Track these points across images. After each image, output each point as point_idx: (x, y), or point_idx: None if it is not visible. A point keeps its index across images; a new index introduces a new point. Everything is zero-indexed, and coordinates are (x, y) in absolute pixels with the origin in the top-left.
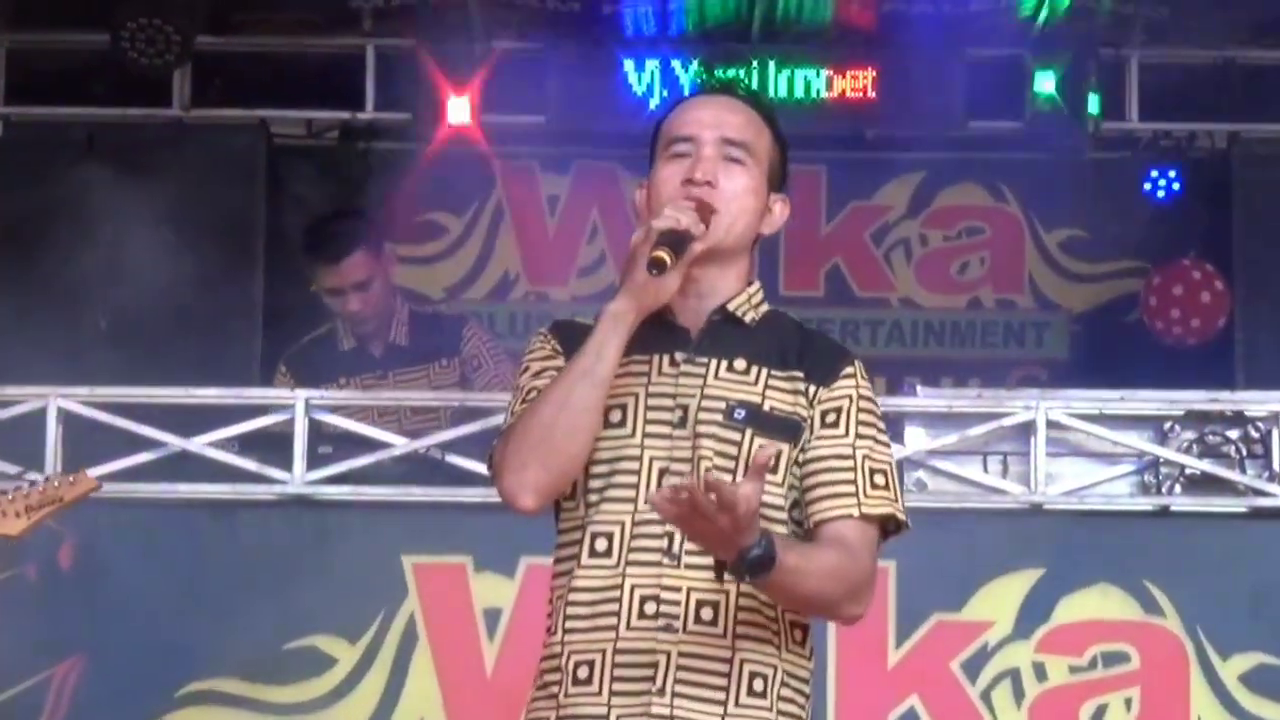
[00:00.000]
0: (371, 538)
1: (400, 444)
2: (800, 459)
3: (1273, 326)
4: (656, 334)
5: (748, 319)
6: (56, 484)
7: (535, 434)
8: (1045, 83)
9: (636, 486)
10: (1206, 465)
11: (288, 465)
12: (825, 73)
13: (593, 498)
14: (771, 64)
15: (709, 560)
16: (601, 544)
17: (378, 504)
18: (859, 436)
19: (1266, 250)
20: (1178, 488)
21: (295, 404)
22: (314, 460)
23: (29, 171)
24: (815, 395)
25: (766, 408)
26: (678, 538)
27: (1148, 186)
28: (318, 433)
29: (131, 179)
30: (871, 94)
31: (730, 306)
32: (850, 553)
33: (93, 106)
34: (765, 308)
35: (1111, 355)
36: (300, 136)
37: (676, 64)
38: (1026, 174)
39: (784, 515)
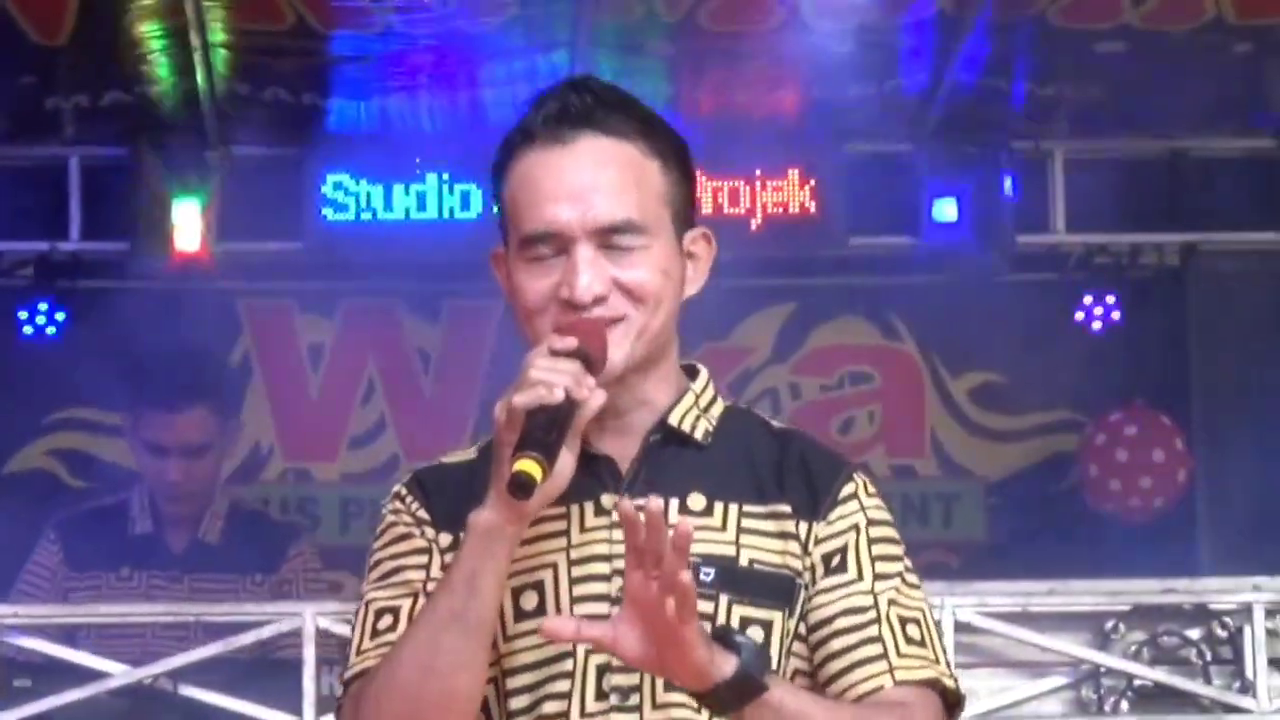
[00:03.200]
0: None
1: (119, 672)
2: (802, 629)
3: (1244, 493)
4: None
5: (699, 433)
6: None
7: (395, 706)
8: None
9: (569, 695)
10: (1161, 674)
11: None
12: None
13: None
14: None
15: None
16: None
17: None
18: (878, 577)
19: (1234, 394)
20: (1124, 704)
21: None
22: (8, 696)
23: None
24: (810, 535)
25: (744, 562)
26: None
27: (1080, 316)
28: (13, 662)
29: None
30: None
31: (672, 420)
32: (895, 711)
33: None
34: (720, 407)
35: (1038, 535)
36: None
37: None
38: (925, 304)
39: None
